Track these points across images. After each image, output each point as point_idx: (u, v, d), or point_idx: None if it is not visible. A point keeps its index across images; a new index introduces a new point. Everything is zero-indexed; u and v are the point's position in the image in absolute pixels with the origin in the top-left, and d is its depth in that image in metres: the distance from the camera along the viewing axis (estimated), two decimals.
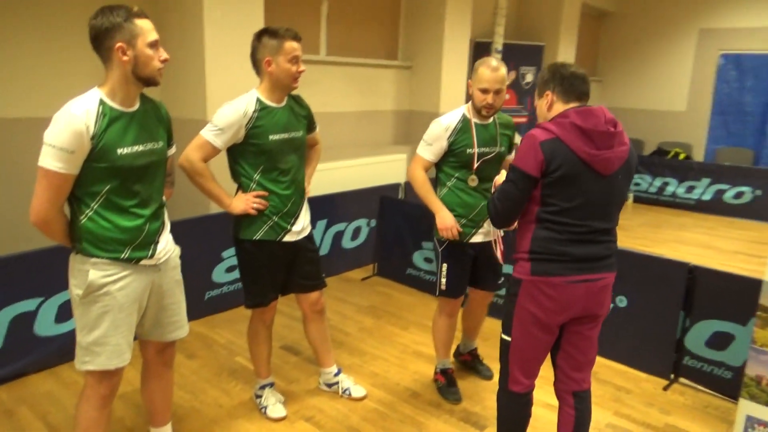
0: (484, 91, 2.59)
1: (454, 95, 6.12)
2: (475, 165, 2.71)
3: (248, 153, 2.42)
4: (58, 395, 2.87)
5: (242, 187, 2.49)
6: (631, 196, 7.92)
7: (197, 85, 3.84)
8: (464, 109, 2.75)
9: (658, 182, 7.78)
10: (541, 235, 1.95)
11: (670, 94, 9.19)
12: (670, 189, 7.69)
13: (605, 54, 9.84)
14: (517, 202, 1.97)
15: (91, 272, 1.92)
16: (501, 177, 2.21)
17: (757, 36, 8.26)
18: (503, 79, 2.60)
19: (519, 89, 7.62)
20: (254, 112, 2.38)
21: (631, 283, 3.31)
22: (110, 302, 1.95)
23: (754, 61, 8.39)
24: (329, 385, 2.96)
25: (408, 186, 5.19)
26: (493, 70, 2.56)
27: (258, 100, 2.41)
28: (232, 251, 3.90)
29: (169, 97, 3.80)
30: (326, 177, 4.72)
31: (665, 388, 3.14)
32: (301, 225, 2.58)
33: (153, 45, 1.89)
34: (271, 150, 2.42)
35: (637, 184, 7.92)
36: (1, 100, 3.45)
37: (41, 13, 3.53)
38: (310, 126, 2.66)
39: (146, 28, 1.87)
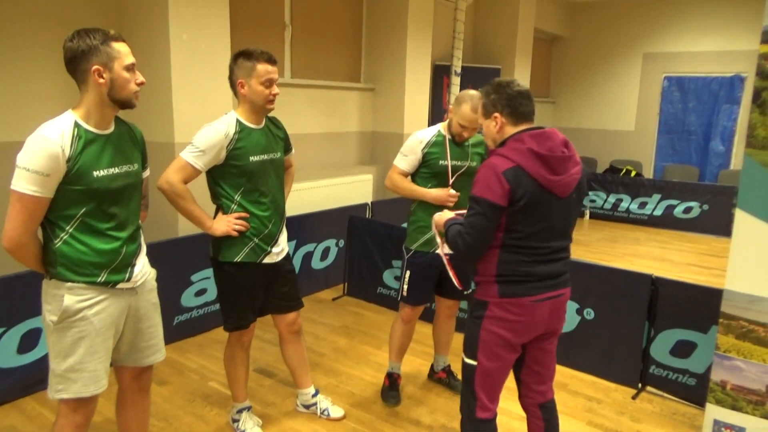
0: (463, 127, 2.74)
1: (417, 116, 6.23)
2: (451, 179, 2.83)
3: (229, 174, 2.41)
4: (22, 429, 2.74)
5: (223, 209, 2.47)
6: (587, 212, 8.19)
7: (164, 108, 3.79)
8: (440, 126, 2.89)
9: (612, 199, 8.07)
10: (507, 258, 1.98)
11: (618, 115, 9.61)
12: (624, 205, 7.99)
13: (557, 76, 10.23)
14: (488, 233, 1.95)
15: (66, 297, 1.87)
16: (445, 215, 2.22)
17: (698, 59, 8.77)
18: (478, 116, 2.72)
19: None
20: (235, 133, 2.38)
21: (597, 296, 3.43)
22: (86, 327, 1.89)
23: (695, 83, 8.88)
24: (307, 407, 2.93)
25: (375, 206, 5.25)
26: (471, 107, 2.68)
27: (238, 121, 2.41)
28: (201, 275, 3.84)
29: (137, 120, 3.68)
30: (294, 198, 4.71)
31: (634, 397, 3.24)
32: (281, 246, 2.58)
33: (130, 68, 1.88)
34: (252, 171, 2.42)
35: (592, 201, 8.20)
36: None
37: (7, 35, 3.44)
38: (287, 148, 2.68)
39: (123, 52, 1.87)
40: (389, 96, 6.15)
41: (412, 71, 6.05)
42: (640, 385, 3.31)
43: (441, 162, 2.82)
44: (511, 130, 2.00)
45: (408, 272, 2.92)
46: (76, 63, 1.82)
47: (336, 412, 2.90)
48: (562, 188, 1.95)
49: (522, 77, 8.20)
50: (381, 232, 4.50)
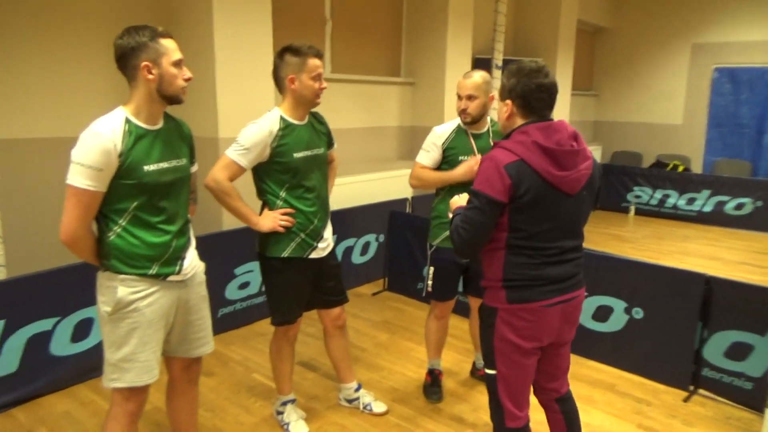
0: (458, 97, 2.72)
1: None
2: None
3: (273, 171, 2.43)
4: (76, 415, 2.83)
5: (268, 205, 2.49)
6: (632, 208, 7.97)
7: (209, 104, 3.85)
8: (459, 121, 2.85)
9: (658, 194, 7.83)
10: (513, 261, 1.87)
11: (665, 108, 9.30)
12: (671, 201, 7.74)
13: (601, 69, 9.96)
14: (485, 230, 1.84)
15: (119, 289, 1.91)
16: (461, 200, 2.08)
17: (750, 50, 8.40)
18: (475, 85, 2.68)
19: None
20: (279, 130, 2.39)
21: (646, 295, 3.32)
22: (139, 318, 1.94)
23: (748, 74, 8.51)
24: (350, 401, 2.93)
25: (416, 200, 5.22)
26: (466, 77, 2.70)
27: (281, 118, 2.42)
28: (244, 268, 3.90)
29: (182, 115, 3.76)
30: (335, 192, 4.68)
31: (685, 400, 3.13)
32: (326, 242, 2.58)
33: (177, 64, 1.91)
34: (297, 167, 2.43)
35: (638, 197, 7.97)
36: (18, 121, 3.44)
37: (60, 35, 3.55)
38: (330, 143, 2.67)
39: (171, 48, 1.89)
40: (429, 90, 6.10)
41: (452, 65, 5.98)
42: (692, 387, 3.20)
43: (460, 158, 2.78)
44: (519, 121, 1.90)
45: (431, 268, 2.90)
46: (126, 60, 1.86)
47: (378, 407, 2.90)
48: (570, 184, 1.83)
49: (564, 70, 8.03)
50: (421, 227, 4.46)
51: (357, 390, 2.92)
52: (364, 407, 2.89)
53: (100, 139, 1.80)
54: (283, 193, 2.45)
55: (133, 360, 1.95)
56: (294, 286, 2.54)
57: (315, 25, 5.18)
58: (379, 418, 2.86)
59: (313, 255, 2.53)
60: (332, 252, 2.66)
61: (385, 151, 6.07)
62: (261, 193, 2.51)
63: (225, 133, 3.89)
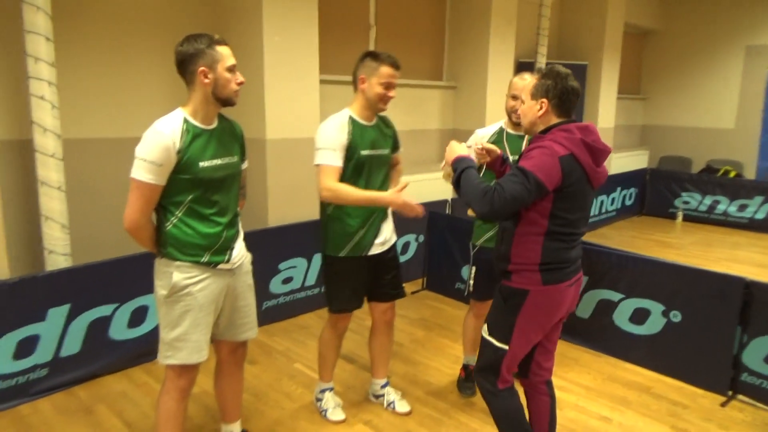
0: (513, 97, 2.80)
1: (499, 113, 6.17)
2: None
3: (343, 167, 2.53)
4: (132, 395, 3.05)
5: (327, 203, 2.62)
6: (680, 214, 7.79)
7: (257, 106, 4.05)
8: (502, 123, 2.93)
9: (708, 200, 7.63)
10: (551, 246, 2.03)
11: (717, 112, 9.05)
12: (721, 207, 7.53)
13: (649, 72, 9.77)
14: (520, 205, 1.96)
15: (174, 274, 2.08)
16: (459, 148, 2.19)
17: None
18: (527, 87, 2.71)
19: None
20: (348, 125, 2.53)
21: (684, 299, 3.31)
22: (191, 302, 2.11)
23: None
24: (376, 396, 3.03)
25: (455, 202, 5.30)
26: (519, 78, 2.78)
27: (350, 117, 2.56)
28: (288, 264, 4.07)
29: (233, 116, 4.03)
30: None
31: (723, 405, 3.10)
32: (384, 237, 2.69)
33: (231, 69, 2.07)
34: (363, 165, 2.55)
35: (686, 203, 7.78)
36: (83, 123, 3.72)
37: (122, 44, 3.82)
38: (395, 146, 2.78)
39: (225, 54, 2.06)
40: (471, 94, 6.17)
41: (495, 69, 6.04)
42: (730, 392, 3.17)
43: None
44: (553, 119, 2.07)
45: (473, 268, 2.96)
46: (185, 65, 2.04)
47: (402, 407, 2.95)
48: (599, 179, 2.06)
49: (610, 74, 7.94)
50: (460, 228, 4.55)
51: (383, 387, 3.00)
52: (388, 405, 2.96)
53: (161, 138, 1.97)
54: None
55: (186, 340, 2.12)
56: (351, 281, 2.67)
57: (360, 30, 5.35)
58: (413, 409, 2.95)
59: (372, 251, 2.65)
60: (392, 247, 2.76)
61: (426, 154, 6.17)
62: None
63: (272, 135, 4.08)
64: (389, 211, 2.72)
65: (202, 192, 2.09)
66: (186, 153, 2.02)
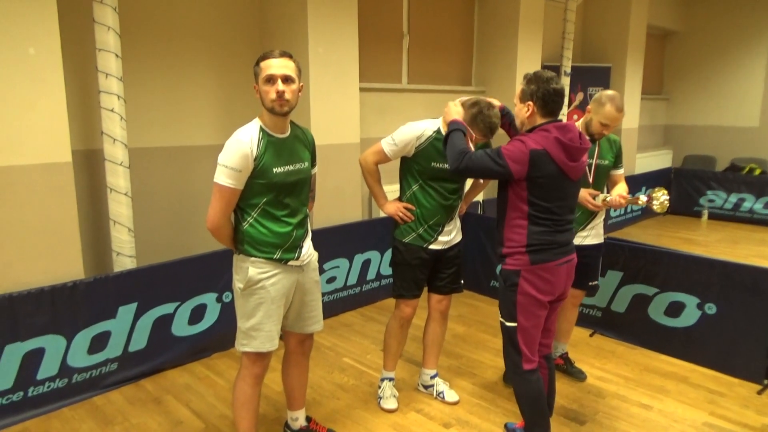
0: (605, 126, 2.95)
1: None
2: (591, 178, 3.08)
3: (413, 169, 2.78)
4: (195, 387, 3.25)
5: (401, 193, 2.88)
6: (705, 212, 7.85)
7: (303, 114, 4.25)
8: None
9: (733, 198, 7.69)
10: (535, 230, 2.33)
11: (740, 110, 9.08)
12: (746, 205, 7.58)
13: (671, 72, 9.84)
14: (484, 176, 2.46)
15: (250, 269, 2.28)
16: (455, 108, 2.60)
17: None
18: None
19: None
20: (427, 139, 2.72)
21: (719, 292, 3.43)
22: (264, 295, 2.30)
23: None
24: (426, 387, 3.19)
25: (486, 203, 5.45)
26: (618, 111, 2.91)
27: (438, 130, 2.74)
28: (331, 264, 4.26)
29: None
30: None
31: (760, 392, 3.22)
32: (448, 237, 2.87)
33: (268, 80, 2.17)
34: (433, 173, 2.75)
35: (711, 201, 7.84)
36: (145, 133, 3.94)
37: (180, 59, 4.05)
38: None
39: (263, 67, 2.19)
40: (499, 98, 6.17)
41: (522, 73, 6.15)
42: (766, 381, 3.28)
43: None
44: (539, 119, 2.34)
45: None
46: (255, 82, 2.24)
47: (451, 396, 3.10)
48: (575, 173, 2.34)
49: (633, 75, 8.04)
50: (493, 227, 4.68)
51: (433, 377, 3.16)
52: (438, 394, 3.12)
53: (240, 146, 2.17)
54: (414, 187, 2.81)
55: (259, 329, 2.31)
56: (411, 268, 2.86)
57: (394, 39, 5.54)
58: (462, 398, 3.11)
59: (433, 246, 2.85)
60: (455, 245, 2.94)
61: None
62: (400, 181, 2.89)
63: (317, 141, 4.25)
64: (456, 214, 2.91)
65: (275, 195, 2.28)
66: (262, 160, 2.21)
